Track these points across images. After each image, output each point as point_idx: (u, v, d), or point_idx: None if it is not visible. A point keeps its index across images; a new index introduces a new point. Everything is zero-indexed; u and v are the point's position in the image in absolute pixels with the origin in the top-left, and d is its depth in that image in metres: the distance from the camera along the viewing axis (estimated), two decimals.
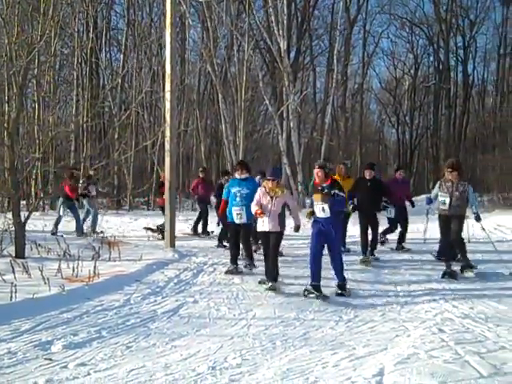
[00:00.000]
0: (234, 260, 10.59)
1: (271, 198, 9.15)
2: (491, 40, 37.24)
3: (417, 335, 6.65)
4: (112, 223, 18.84)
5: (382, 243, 14.12)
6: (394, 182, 14.12)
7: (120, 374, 5.41)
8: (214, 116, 31.15)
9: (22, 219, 11.68)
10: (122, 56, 29.57)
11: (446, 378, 5.24)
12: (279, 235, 9.32)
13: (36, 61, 18.64)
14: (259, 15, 28.86)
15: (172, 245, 12.97)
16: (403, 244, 13.86)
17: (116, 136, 25.11)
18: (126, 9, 30.03)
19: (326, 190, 8.52)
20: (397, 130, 40.51)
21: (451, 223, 10.31)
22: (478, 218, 10.84)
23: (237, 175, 10.63)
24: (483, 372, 5.39)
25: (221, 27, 26.43)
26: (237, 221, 10.37)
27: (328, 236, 8.62)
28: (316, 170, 8.75)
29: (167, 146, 13.29)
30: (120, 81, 27.47)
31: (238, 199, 10.34)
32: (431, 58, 38.69)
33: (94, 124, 26.19)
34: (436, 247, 12.31)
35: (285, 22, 24.68)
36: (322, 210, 8.59)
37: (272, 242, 9.16)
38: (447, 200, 10.29)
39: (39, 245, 12.10)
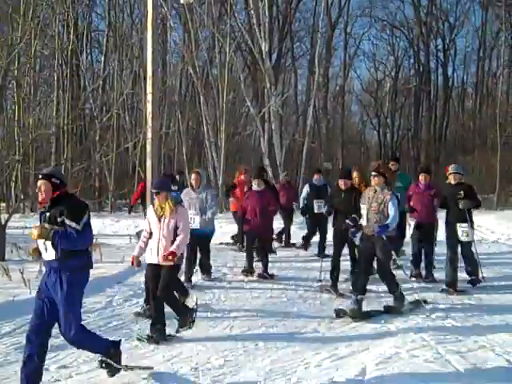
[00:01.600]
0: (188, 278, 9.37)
1: (159, 219, 6.75)
2: (471, 43, 37.53)
3: (398, 335, 6.70)
4: (93, 225, 18.68)
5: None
6: (415, 189, 10.39)
7: (102, 376, 5.40)
8: (195, 118, 31.04)
9: (3, 221, 11.58)
10: (102, 58, 29.42)
11: (426, 377, 5.29)
12: (172, 271, 6.76)
13: (16, 62, 18.52)
14: (241, 17, 28.88)
15: None
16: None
17: (97, 138, 24.94)
18: (107, 10, 29.85)
19: None
20: (378, 131, 40.68)
21: (374, 247, 7.80)
22: (386, 242, 7.71)
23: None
24: (463, 371, 5.44)
25: (202, 29, 26.41)
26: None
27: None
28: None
29: (148, 148, 13.26)
30: (101, 83, 27.32)
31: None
32: (412, 61, 38.86)
33: (75, 126, 26.00)
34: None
35: (266, 24, 24.73)
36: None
37: (162, 278, 6.62)
38: (364, 213, 8.00)
39: (19, 247, 11.98)
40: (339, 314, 7.56)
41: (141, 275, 10.08)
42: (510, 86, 33.77)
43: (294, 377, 5.37)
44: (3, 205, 20.07)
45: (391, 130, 39.67)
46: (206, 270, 9.93)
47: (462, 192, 9.05)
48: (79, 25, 29.90)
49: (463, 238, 9.10)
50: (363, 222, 7.95)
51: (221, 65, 25.80)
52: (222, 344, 6.38)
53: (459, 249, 9.20)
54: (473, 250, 9.36)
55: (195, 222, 9.27)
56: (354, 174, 9.64)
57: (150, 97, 13.27)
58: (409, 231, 10.61)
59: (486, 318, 7.42)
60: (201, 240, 9.45)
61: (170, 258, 6.42)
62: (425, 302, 8.08)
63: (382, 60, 41.23)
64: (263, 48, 24.62)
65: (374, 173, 7.90)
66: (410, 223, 10.47)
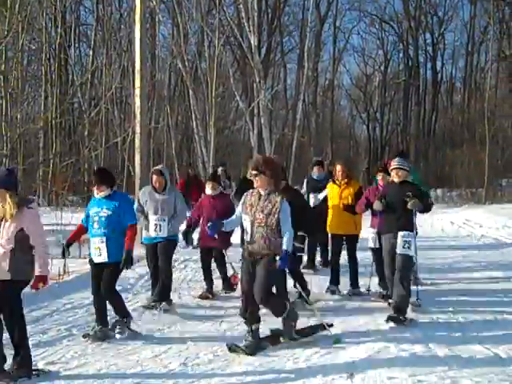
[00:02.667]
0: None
1: None
2: (459, 37, 37.62)
3: (388, 330, 6.71)
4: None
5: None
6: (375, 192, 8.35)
7: (91, 372, 5.38)
8: (184, 112, 30.97)
9: None
10: (91, 52, 29.25)
11: (415, 370, 5.30)
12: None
13: (3, 56, 18.39)
14: (230, 11, 28.75)
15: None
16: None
17: (86, 133, 24.82)
18: (95, 4, 29.71)
19: None
20: (367, 126, 40.69)
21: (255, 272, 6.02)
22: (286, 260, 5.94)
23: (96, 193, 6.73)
24: (453, 365, 5.46)
25: (191, 23, 26.29)
26: (96, 259, 6.57)
27: None
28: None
29: (137, 143, 13.21)
30: (89, 77, 27.16)
31: (95, 225, 6.57)
32: (401, 55, 38.96)
33: (63, 120, 25.92)
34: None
35: (255, 18, 24.63)
36: None
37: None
38: (248, 226, 6.06)
39: None
40: (231, 347, 5.98)
41: (130, 270, 10.09)
42: (499, 81, 33.88)
43: (283, 371, 5.38)
44: None
45: (380, 124, 39.72)
46: (164, 288, 7.77)
47: (409, 193, 7.06)
48: (67, 18, 29.73)
49: (403, 251, 7.05)
50: (246, 237, 6.15)
51: (210, 59, 25.68)
52: (211, 339, 6.38)
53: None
54: (413, 268, 7.87)
55: (162, 229, 7.67)
56: (338, 168, 8.60)
57: (138, 91, 13.22)
58: (372, 243, 8.44)
59: (475, 313, 7.44)
60: (164, 249, 7.73)
61: (42, 284, 5.37)
62: (329, 325, 6.55)
63: (371, 54, 41.21)
64: (252, 42, 24.54)
65: (254, 172, 5.99)
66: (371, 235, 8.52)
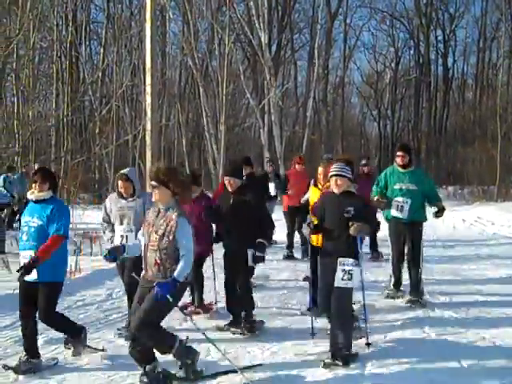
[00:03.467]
0: None
1: None
2: (471, 34, 37.52)
3: (398, 327, 6.69)
4: (93, 218, 18.72)
5: None
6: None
7: (103, 369, 5.40)
8: (195, 110, 31.00)
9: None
10: (101, 49, 29.34)
11: (426, 369, 5.28)
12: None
13: (15, 54, 18.48)
14: (240, 8, 28.78)
15: None
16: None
17: (97, 130, 24.92)
18: (106, 2, 29.80)
19: None
20: (378, 123, 40.60)
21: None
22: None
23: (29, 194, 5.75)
24: (463, 362, 5.44)
25: (201, 20, 26.33)
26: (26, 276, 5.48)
27: None
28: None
29: (148, 140, 13.23)
30: (100, 74, 27.27)
31: (24, 237, 5.61)
32: (412, 52, 38.83)
33: (74, 118, 26.05)
34: None
35: (265, 15, 24.64)
36: None
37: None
38: (143, 249, 5.22)
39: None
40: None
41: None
42: (510, 77, 33.65)
43: (294, 370, 5.37)
44: None
45: (391, 121, 39.59)
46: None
47: (351, 208, 5.56)
48: (78, 16, 29.83)
49: (342, 283, 5.52)
50: (144, 262, 5.17)
51: (220, 56, 25.76)
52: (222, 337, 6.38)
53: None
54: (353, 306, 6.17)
55: (129, 240, 6.23)
56: (320, 170, 7.15)
57: (149, 88, 13.24)
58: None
59: (486, 311, 7.40)
60: (132, 266, 6.02)
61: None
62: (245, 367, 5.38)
63: (382, 51, 41.11)
64: (262, 39, 24.54)
65: (153, 183, 5.02)
66: None
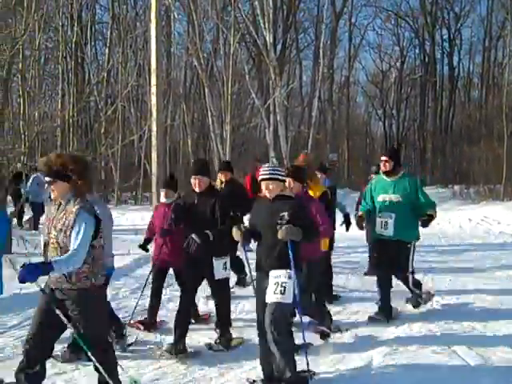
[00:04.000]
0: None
1: None
2: (476, 33, 37.31)
3: (405, 326, 6.68)
4: None
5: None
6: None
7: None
8: (200, 110, 31.01)
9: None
10: (107, 50, 29.35)
11: (433, 368, 5.28)
12: None
13: (20, 55, 18.52)
14: (245, 8, 28.78)
15: None
16: None
17: (102, 130, 24.93)
18: (111, 2, 29.81)
19: None
20: (383, 122, 40.51)
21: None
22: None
23: None
24: (470, 362, 5.42)
25: (206, 20, 26.32)
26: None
27: None
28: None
29: (154, 141, 13.28)
30: (105, 75, 27.30)
31: None
32: (417, 51, 38.71)
33: (80, 118, 26.08)
34: None
35: (270, 15, 24.60)
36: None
37: None
38: (42, 248, 4.61)
39: (26, 240, 12.03)
40: None
41: (147, 267, 10.14)
42: None
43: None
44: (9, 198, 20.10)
45: (397, 120, 39.52)
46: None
47: (284, 214, 4.83)
48: (83, 17, 29.89)
49: (274, 298, 4.90)
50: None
51: (225, 56, 25.73)
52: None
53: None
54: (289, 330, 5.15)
55: None
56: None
57: (154, 89, 13.29)
58: None
59: (492, 310, 7.39)
60: None
61: None
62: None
63: (387, 50, 41.02)
64: (267, 39, 24.51)
65: (47, 179, 4.36)
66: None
